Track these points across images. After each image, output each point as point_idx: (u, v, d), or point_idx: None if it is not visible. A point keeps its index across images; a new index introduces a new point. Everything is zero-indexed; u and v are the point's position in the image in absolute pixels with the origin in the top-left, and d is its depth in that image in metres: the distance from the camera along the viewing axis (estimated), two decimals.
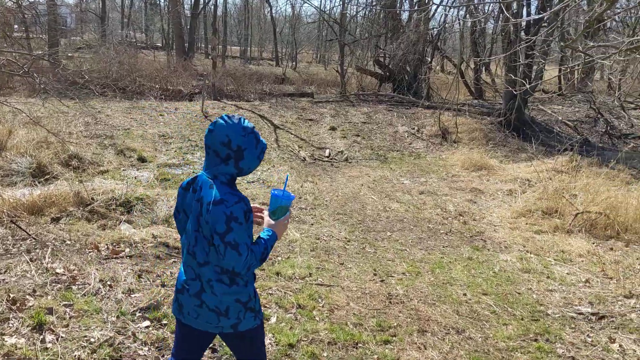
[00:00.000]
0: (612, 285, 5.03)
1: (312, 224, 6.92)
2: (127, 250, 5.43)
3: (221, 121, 2.19)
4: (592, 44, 6.26)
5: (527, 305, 4.44)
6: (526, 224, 7.29)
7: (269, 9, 45.55)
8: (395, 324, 4.04)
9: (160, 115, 14.10)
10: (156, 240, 5.49)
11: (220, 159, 2.17)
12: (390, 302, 4.35)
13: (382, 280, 4.89)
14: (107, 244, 5.54)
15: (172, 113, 14.48)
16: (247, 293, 2.31)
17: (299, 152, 11.97)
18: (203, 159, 11.33)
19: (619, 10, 8.99)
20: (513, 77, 11.03)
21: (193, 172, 9.69)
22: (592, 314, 4.17)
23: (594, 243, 6.60)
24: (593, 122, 16.24)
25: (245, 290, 2.30)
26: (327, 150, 12.31)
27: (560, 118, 16.49)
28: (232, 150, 2.15)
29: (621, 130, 15.94)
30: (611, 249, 6.42)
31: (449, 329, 4.03)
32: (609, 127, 15.67)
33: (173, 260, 5.02)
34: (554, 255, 6.07)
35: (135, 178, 8.96)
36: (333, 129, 14.09)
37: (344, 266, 5.27)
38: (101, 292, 4.16)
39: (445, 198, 8.62)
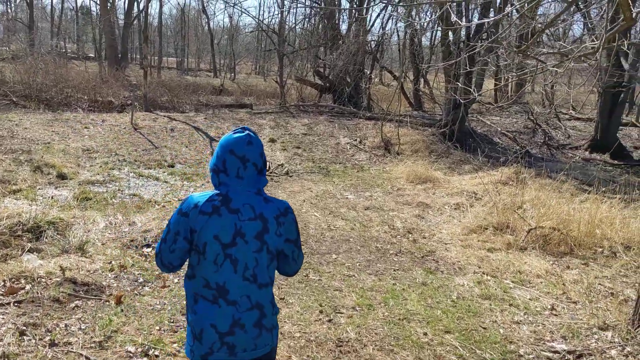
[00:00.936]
0: (581, 312, 4.61)
1: None
2: (28, 287, 4.57)
3: (251, 133, 2.15)
4: (544, 50, 5.93)
5: (495, 345, 3.91)
6: (478, 240, 6.87)
7: (206, 20, 44.45)
8: None
9: (85, 127, 13.00)
10: (64, 275, 4.64)
11: (257, 171, 2.13)
12: (340, 352, 3.68)
13: (329, 320, 4.23)
14: (3, 280, 4.65)
15: (99, 125, 13.40)
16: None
17: None
18: (131, 175, 10.44)
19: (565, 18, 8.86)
20: (459, 84, 10.75)
21: (119, 189, 8.79)
22: (569, 352, 3.69)
23: (549, 261, 6.24)
24: (531, 133, 16.35)
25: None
26: (267, 164, 11.61)
27: (499, 129, 16.52)
28: (264, 160, 2.15)
29: (559, 141, 16.11)
30: (568, 267, 6.08)
31: None
32: (547, 138, 15.80)
33: (76, 304, 4.18)
34: (512, 276, 5.64)
35: (52, 197, 7.99)
36: (273, 140, 13.44)
37: (285, 302, 4.59)
38: None
39: (392, 214, 8.12)
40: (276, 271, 2.26)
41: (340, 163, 12.38)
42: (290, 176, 10.96)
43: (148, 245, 5.98)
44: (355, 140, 13.98)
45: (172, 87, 20.60)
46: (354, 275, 5.41)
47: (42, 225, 6.13)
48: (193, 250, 2.09)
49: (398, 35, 24.46)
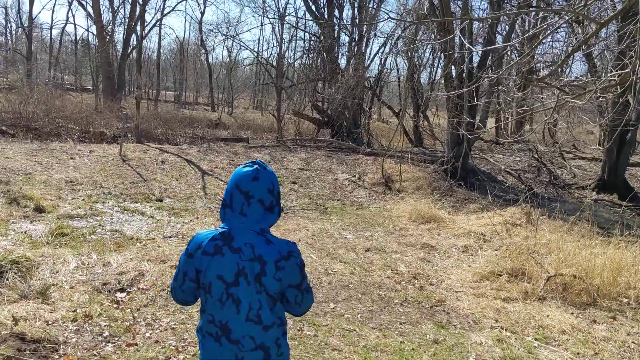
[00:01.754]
0: None
1: None
2: None
3: (259, 168, 2.06)
4: (564, 79, 5.39)
5: None
6: (492, 289, 6.20)
7: (204, 53, 44.43)
8: None
9: (71, 158, 12.40)
10: (15, 327, 3.95)
11: (264, 208, 2.05)
12: None
13: None
14: None
15: (86, 156, 12.81)
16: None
17: None
18: (115, 209, 9.77)
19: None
20: (464, 117, 10.24)
21: (99, 224, 8.12)
22: None
23: (572, 313, 5.57)
24: (536, 172, 15.82)
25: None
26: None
27: (502, 167, 15.99)
28: (275, 197, 2.07)
29: (564, 181, 15.56)
30: (594, 321, 5.40)
31: None
32: (552, 177, 15.25)
33: None
34: (534, 332, 4.96)
35: (25, 232, 7.33)
36: None
37: None
38: None
39: (395, 256, 7.46)
40: None
41: (338, 200, 11.76)
42: (286, 213, 10.31)
43: (122, 290, 5.30)
44: (354, 176, 13.40)
45: (167, 120, 20.16)
46: (355, 330, 4.71)
47: (3, 265, 5.45)
48: (201, 288, 2.06)
49: (398, 71, 24.20)
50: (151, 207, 9.75)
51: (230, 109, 37.70)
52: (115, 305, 4.86)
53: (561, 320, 5.22)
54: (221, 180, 12.06)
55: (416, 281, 6.42)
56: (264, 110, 36.47)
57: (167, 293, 5.21)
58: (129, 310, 4.74)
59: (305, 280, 2.11)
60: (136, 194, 10.55)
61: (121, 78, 30.06)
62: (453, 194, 12.58)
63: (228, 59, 46.42)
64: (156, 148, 14.49)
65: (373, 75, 20.52)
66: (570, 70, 21.34)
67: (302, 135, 18.78)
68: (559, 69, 18.80)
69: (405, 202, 11.35)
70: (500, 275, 6.55)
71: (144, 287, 5.38)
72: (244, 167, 2.08)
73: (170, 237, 8.01)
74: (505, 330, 4.95)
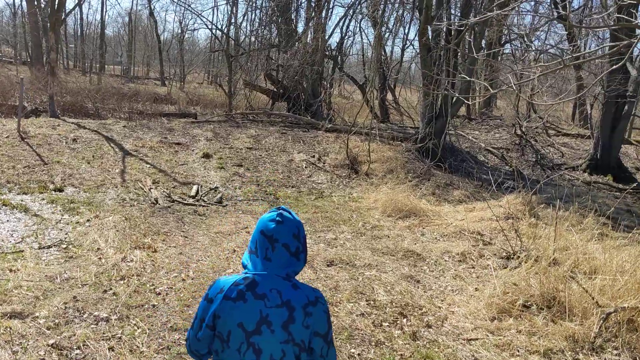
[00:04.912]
0: None
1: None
2: None
3: (285, 213, 1.95)
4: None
5: None
6: (519, 331, 4.07)
7: (154, 22, 40.82)
8: None
9: None
10: None
11: (289, 254, 1.92)
12: None
13: None
14: None
15: None
16: None
17: (151, 190, 8.18)
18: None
19: None
20: (447, 86, 8.10)
21: None
22: None
23: None
24: (520, 151, 13.88)
25: None
26: (195, 187, 8.63)
27: (483, 145, 13.99)
28: (301, 243, 1.95)
29: (552, 160, 13.68)
30: None
31: None
32: (539, 157, 13.34)
33: None
34: None
35: None
36: (207, 156, 10.42)
37: None
38: None
39: (370, 273, 5.24)
40: None
41: (293, 186, 9.47)
42: (224, 205, 7.98)
43: None
44: (314, 156, 11.11)
45: (103, 93, 17.46)
46: None
47: None
48: (216, 337, 1.89)
49: (362, 42, 21.87)
50: (43, 200, 7.27)
51: (182, 83, 34.61)
52: None
53: None
54: (147, 163, 9.59)
55: (405, 320, 4.22)
56: (218, 86, 33.54)
57: None
58: None
59: (331, 331, 1.94)
60: (29, 181, 8.03)
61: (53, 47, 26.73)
62: (431, 178, 10.45)
63: (180, 30, 43.05)
64: (72, 123, 11.82)
65: (334, 47, 18.17)
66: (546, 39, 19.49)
67: (255, 109, 16.30)
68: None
69: (377, 189, 9.16)
70: (528, 307, 4.42)
71: None
72: (268, 212, 1.95)
73: (49, 247, 5.59)
74: None
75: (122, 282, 4.55)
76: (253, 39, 19.09)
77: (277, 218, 1.91)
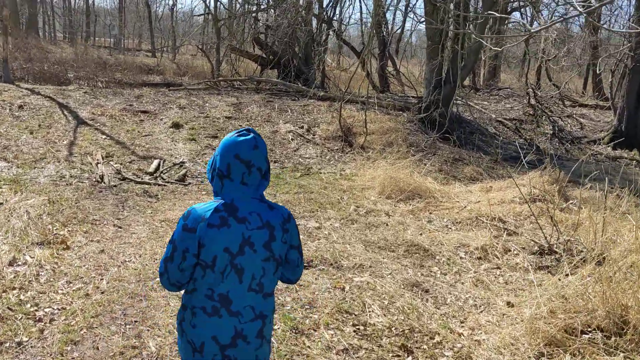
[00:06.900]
0: None
1: None
2: None
3: (257, 137, 1.89)
4: None
5: None
6: None
7: None
8: None
9: None
10: None
11: (261, 176, 1.91)
12: None
13: None
14: None
15: None
16: None
17: (98, 165, 6.74)
18: None
19: None
20: (455, 46, 6.65)
21: None
22: None
23: None
24: (535, 122, 12.40)
25: None
26: (156, 162, 7.20)
27: (493, 116, 12.52)
28: (268, 162, 1.93)
29: (571, 133, 12.23)
30: None
31: None
32: (557, 129, 11.89)
33: None
34: None
35: None
36: (177, 126, 8.96)
37: None
38: None
39: (362, 279, 3.84)
40: None
41: (276, 161, 8.06)
42: (187, 184, 6.57)
43: None
44: (302, 127, 9.64)
45: (76, 62, 15.94)
46: None
47: None
48: (198, 265, 1.85)
49: (361, 11, 20.20)
50: None
51: (174, 54, 32.85)
52: None
53: None
54: (103, 133, 8.14)
55: (410, 359, 2.84)
56: (201, 52, 31.62)
57: None
58: None
59: (301, 243, 2.00)
60: None
61: (34, 10, 25.10)
62: (437, 152, 9.02)
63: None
64: (25, 89, 10.33)
65: (328, 3, 16.53)
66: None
67: (241, 76, 14.75)
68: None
69: (374, 164, 7.74)
70: (586, 333, 3.05)
71: None
72: (237, 135, 1.87)
73: None
74: None
75: None
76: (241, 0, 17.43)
77: (254, 143, 1.86)
